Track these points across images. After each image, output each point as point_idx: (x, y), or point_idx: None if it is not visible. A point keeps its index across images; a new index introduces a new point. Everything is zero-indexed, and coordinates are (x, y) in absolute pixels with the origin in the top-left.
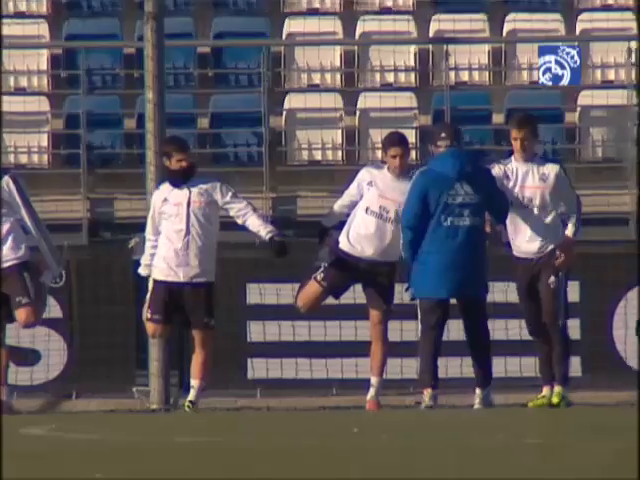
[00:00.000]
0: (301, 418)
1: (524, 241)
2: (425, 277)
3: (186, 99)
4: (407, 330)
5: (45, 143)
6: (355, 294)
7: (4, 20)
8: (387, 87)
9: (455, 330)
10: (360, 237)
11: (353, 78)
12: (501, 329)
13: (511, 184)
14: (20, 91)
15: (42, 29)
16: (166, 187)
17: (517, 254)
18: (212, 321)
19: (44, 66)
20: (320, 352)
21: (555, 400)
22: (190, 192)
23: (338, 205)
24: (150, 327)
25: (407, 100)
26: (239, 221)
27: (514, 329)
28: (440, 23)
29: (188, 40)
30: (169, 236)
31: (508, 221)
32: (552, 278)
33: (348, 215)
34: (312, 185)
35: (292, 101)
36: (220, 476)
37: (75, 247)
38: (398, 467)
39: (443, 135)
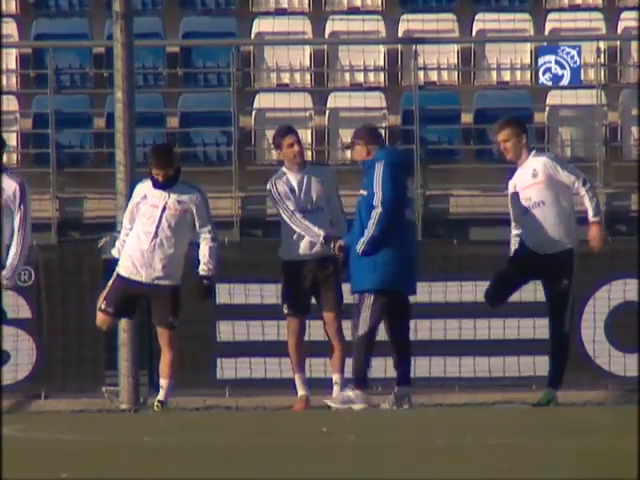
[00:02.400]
0: (270, 418)
1: (536, 241)
2: (389, 269)
3: (155, 98)
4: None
5: (14, 142)
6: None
7: None
8: (357, 87)
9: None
10: (300, 238)
11: (323, 78)
12: (470, 329)
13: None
14: None
15: (10, 28)
16: (149, 184)
17: (532, 249)
18: (175, 321)
19: (13, 65)
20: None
21: (543, 401)
22: (168, 197)
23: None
24: (100, 317)
25: (376, 100)
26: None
27: (483, 329)
28: (409, 23)
29: (157, 40)
30: (138, 235)
31: (523, 226)
32: (565, 281)
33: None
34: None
35: (261, 101)
36: (189, 476)
37: (44, 247)
38: (366, 467)
39: (377, 132)
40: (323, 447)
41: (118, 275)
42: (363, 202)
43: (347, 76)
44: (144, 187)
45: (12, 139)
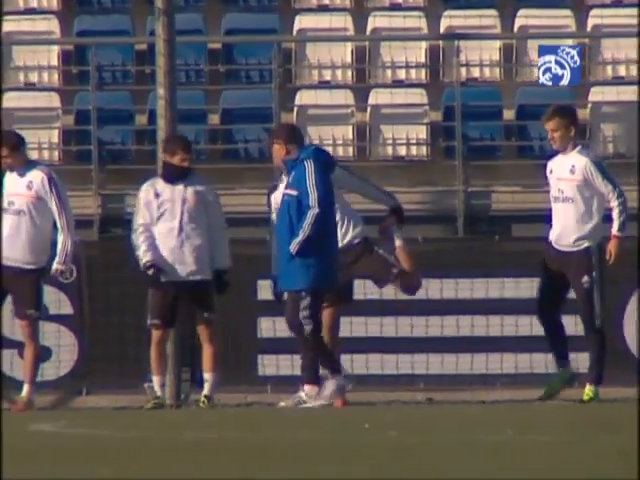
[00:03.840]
0: (311, 414)
1: (556, 234)
2: (324, 267)
3: (197, 95)
4: (417, 326)
5: (56, 139)
6: (365, 289)
7: (15, 16)
8: (398, 83)
9: (450, 327)
10: None
11: (364, 74)
12: (511, 325)
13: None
14: (30, 87)
15: (53, 25)
16: (158, 182)
17: (555, 246)
18: (212, 315)
19: (55, 62)
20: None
21: (585, 398)
22: (186, 190)
23: None
24: (154, 334)
25: (418, 96)
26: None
27: (524, 326)
28: (451, 19)
29: (199, 36)
30: (162, 234)
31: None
32: (585, 278)
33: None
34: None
35: (303, 97)
36: (230, 472)
37: (86, 243)
38: (407, 463)
39: (297, 130)
40: (365, 443)
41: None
42: (292, 201)
43: (389, 72)
44: (153, 186)
45: (54, 136)
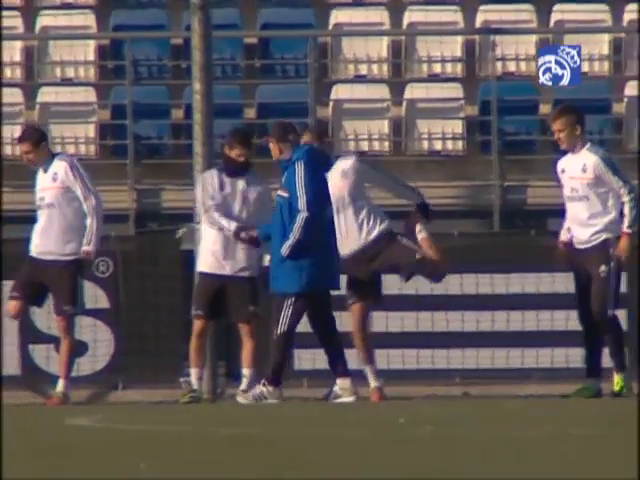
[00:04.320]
0: (347, 409)
1: (575, 231)
2: (316, 270)
3: (233, 90)
4: (452, 321)
5: (92, 134)
6: (401, 284)
7: (51, 11)
8: (434, 78)
9: (486, 321)
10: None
11: (400, 69)
12: (547, 320)
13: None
14: (67, 81)
15: (89, 20)
16: (222, 174)
17: (575, 244)
18: (257, 310)
19: (91, 57)
20: (375, 343)
21: (616, 388)
22: (247, 187)
23: None
24: (195, 324)
25: (454, 91)
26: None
27: (560, 320)
28: (487, 13)
29: (235, 31)
30: (216, 229)
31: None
32: (603, 267)
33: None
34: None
35: (339, 92)
36: (265, 468)
37: (122, 238)
38: (443, 458)
39: (291, 129)
40: (400, 438)
41: (201, 274)
42: (284, 203)
43: (424, 67)
44: (217, 177)
45: (90, 131)
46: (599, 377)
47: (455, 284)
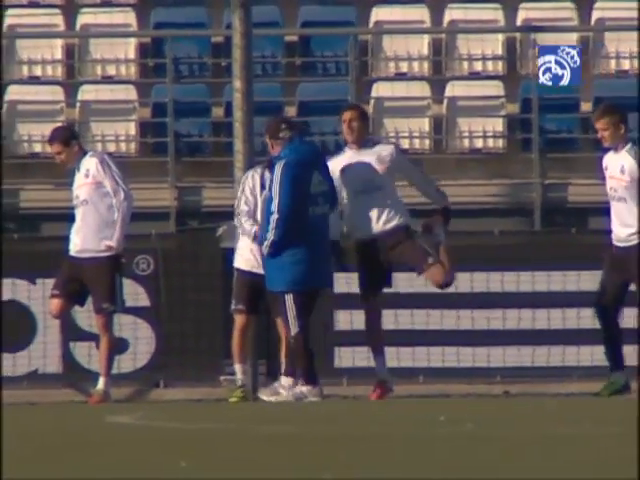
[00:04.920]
0: (387, 406)
1: (615, 228)
2: (299, 269)
3: (273, 87)
4: (493, 319)
5: (133, 131)
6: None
7: (92, 9)
8: (475, 75)
9: (527, 319)
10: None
11: (441, 66)
12: (588, 317)
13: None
14: (108, 79)
15: (129, 18)
16: (265, 171)
17: (613, 241)
18: None
19: (132, 54)
20: (407, 340)
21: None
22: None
23: None
24: (237, 319)
25: (495, 88)
26: None
27: (585, 318)
28: (528, 11)
29: (275, 29)
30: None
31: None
32: (634, 270)
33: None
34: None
35: (379, 89)
36: (304, 464)
37: (163, 235)
38: (484, 456)
39: (284, 126)
40: (441, 436)
41: (239, 270)
42: (268, 203)
43: (465, 65)
44: (256, 176)
45: (131, 128)
46: (623, 370)
47: (496, 282)
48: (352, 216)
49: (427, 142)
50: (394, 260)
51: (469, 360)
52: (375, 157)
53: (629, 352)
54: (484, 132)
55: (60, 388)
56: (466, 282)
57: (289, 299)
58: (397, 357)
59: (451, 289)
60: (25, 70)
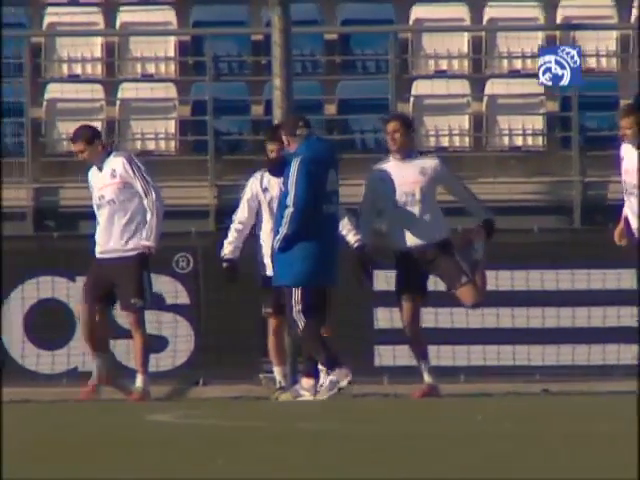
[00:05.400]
0: (428, 405)
1: (632, 221)
2: (309, 264)
3: (313, 86)
4: (533, 317)
5: (172, 129)
6: (498, 280)
7: (131, 7)
8: (514, 73)
9: (566, 318)
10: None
11: (480, 64)
12: (628, 316)
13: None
14: (147, 78)
15: (169, 16)
16: (265, 175)
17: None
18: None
19: (171, 53)
20: (447, 339)
21: None
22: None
23: None
24: (270, 322)
25: (535, 86)
26: None
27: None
28: (567, 9)
29: (315, 27)
30: (268, 231)
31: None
32: None
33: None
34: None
35: (419, 87)
36: (343, 464)
37: (202, 233)
38: (522, 455)
39: (301, 124)
40: (479, 435)
41: (264, 277)
42: (283, 197)
43: (505, 62)
44: (260, 178)
45: (171, 126)
46: None
47: (535, 280)
48: (392, 227)
49: (467, 140)
50: (430, 272)
51: (509, 359)
52: (418, 169)
53: (629, 351)
54: (524, 130)
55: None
56: (506, 280)
57: (296, 294)
58: (437, 356)
59: (491, 287)
60: (65, 68)
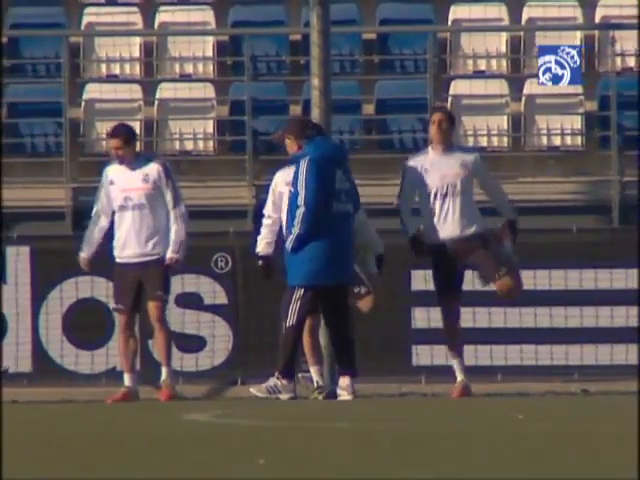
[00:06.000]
0: (466, 405)
1: None
2: (318, 264)
3: (351, 85)
4: (571, 317)
5: (210, 129)
6: (535, 280)
7: (169, 7)
8: None
9: (605, 317)
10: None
11: (519, 64)
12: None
13: None
14: (186, 77)
15: (207, 16)
16: (291, 171)
17: None
18: (361, 289)
19: (209, 53)
20: (485, 339)
21: None
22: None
23: None
24: (307, 323)
25: (573, 86)
26: None
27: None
28: (606, 9)
29: (353, 27)
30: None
31: None
32: None
33: None
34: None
35: (458, 87)
36: (382, 463)
37: (240, 233)
38: (562, 454)
39: (310, 125)
40: (518, 434)
41: None
42: (293, 198)
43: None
44: (285, 176)
45: (209, 126)
46: None
47: (574, 279)
48: (428, 218)
49: (505, 140)
50: (467, 264)
51: (547, 358)
52: (460, 162)
53: (630, 351)
54: (562, 129)
55: (139, 385)
56: (544, 279)
57: (299, 292)
58: (475, 355)
59: (529, 287)
60: (103, 68)
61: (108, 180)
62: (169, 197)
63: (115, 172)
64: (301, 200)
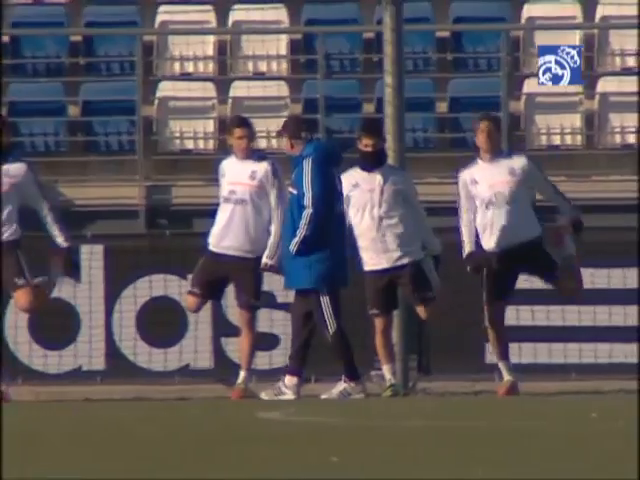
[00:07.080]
0: (538, 402)
1: None
2: (327, 265)
3: (425, 83)
4: (600, 313)
5: None
6: (595, 278)
7: (243, 5)
8: (627, 70)
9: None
10: None
11: (592, 62)
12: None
13: None
14: (259, 76)
15: (281, 14)
16: (356, 171)
17: None
18: (429, 294)
19: (283, 51)
20: (559, 336)
21: None
22: (383, 179)
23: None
24: (377, 322)
25: None
26: None
27: None
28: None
29: (427, 25)
30: (359, 226)
31: None
32: None
33: None
34: (549, 170)
35: (531, 86)
36: (457, 460)
37: None
38: (635, 452)
39: (304, 126)
40: (591, 433)
41: (366, 273)
42: (294, 200)
43: (617, 60)
44: (352, 176)
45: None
46: None
47: None
48: (481, 229)
49: (579, 138)
50: (522, 271)
51: (620, 356)
52: (507, 169)
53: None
54: (637, 127)
55: (211, 383)
56: (618, 278)
57: (325, 299)
58: (549, 353)
59: (604, 285)
60: (177, 67)
61: (222, 172)
62: (273, 197)
63: (228, 165)
64: (308, 201)
